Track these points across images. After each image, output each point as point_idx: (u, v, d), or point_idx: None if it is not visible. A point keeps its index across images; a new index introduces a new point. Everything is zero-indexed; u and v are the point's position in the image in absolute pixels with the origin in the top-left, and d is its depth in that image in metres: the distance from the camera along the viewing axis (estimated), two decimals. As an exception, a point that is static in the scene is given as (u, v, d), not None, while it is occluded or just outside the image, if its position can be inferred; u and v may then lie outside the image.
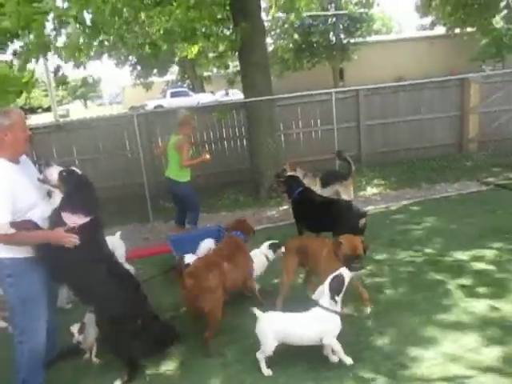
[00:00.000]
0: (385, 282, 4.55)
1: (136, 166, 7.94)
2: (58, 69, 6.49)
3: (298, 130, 9.79)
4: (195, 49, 9.36)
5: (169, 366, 3.46)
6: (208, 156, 6.13)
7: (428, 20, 26.86)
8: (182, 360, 3.53)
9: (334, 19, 25.18)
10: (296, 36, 24.35)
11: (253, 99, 7.96)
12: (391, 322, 3.79)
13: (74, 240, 2.81)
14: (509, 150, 9.15)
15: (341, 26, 25.53)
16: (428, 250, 5.26)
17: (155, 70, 28.43)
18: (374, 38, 28.17)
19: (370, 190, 8.30)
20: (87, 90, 53.58)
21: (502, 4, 19.13)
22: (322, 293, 3.24)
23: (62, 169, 3.02)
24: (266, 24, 15.87)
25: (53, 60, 6.00)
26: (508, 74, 9.23)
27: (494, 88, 9.52)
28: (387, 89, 10.11)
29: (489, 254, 4.93)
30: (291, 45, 24.44)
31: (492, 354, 3.20)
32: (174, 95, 29.36)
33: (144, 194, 7.51)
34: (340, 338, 3.23)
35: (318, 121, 9.75)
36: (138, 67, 26.95)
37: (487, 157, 9.35)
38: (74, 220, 2.82)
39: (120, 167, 8.92)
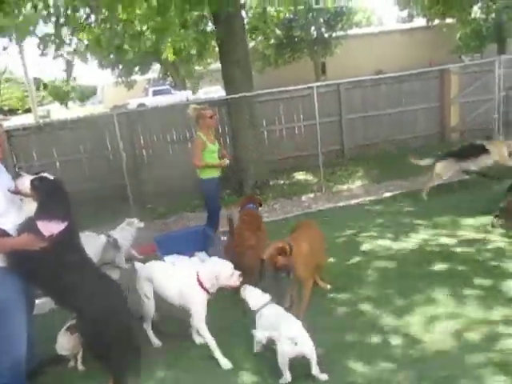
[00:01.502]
0: (370, 274, 4.58)
1: (118, 167, 7.85)
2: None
3: (280, 126, 9.78)
4: (173, 50, 9.28)
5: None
6: (227, 162, 5.67)
7: (408, 12, 26.96)
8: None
9: (315, 13, 25.13)
10: (277, 31, 24.26)
11: (234, 96, 7.92)
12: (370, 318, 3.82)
13: (42, 243, 2.77)
14: (490, 137, 9.24)
15: (322, 20, 25.52)
16: (413, 240, 5.31)
17: (137, 68, 28.14)
18: (354, 31, 28.24)
19: (354, 183, 8.34)
20: (83, 93, 52.23)
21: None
22: None
23: (33, 177, 2.94)
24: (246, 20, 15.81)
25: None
26: (486, 64, 9.30)
27: (472, 78, 9.63)
28: (368, 82, 10.16)
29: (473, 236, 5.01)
30: (272, 40, 24.35)
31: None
32: (156, 93, 29.15)
33: (127, 196, 7.42)
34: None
35: (301, 116, 9.75)
36: (120, 66, 26.64)
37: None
38: (51, 227, 2.76)
39: (102, 168, 8.80)
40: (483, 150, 6.76)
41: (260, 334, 3.22)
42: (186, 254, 5.05)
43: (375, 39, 29.48)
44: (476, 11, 21.07)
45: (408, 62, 23.55)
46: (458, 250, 4.89)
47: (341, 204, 7.25)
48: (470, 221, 5.64)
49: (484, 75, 9.57)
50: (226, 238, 5.47)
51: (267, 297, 3.49)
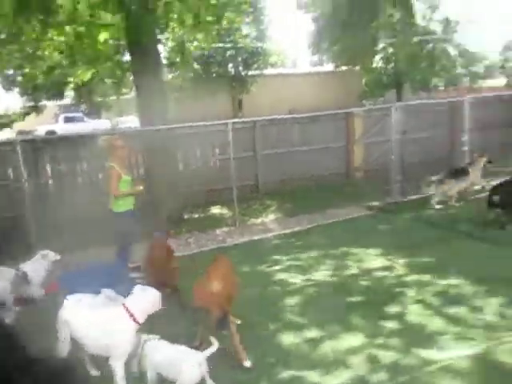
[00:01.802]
0: (283, 307, 4.68)
1: (19, 198, 7.29)
2: None
3: (195, 160, 9.83)
4: (88, 74, 9.03)
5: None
6: (141, 187, 5.72)
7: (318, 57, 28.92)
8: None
9: (233, 51, 26.03)
10: (196, 66, 24.67)
11: (149, 128, 7.84)
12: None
13: None
14: (387, 177, 10.01)
15: (239, 59, 26.46)
16: (325, 272, 5.56)
17: (48, 93, 26.70)
18: (270, 71, 29.58)
19: (268, 217, 8.57)
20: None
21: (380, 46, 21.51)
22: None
23: None
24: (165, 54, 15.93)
25: None
26: (384, 109, 10.21)
27: (374, 122, 10.54)
28: (282, 120, 10.66)
29: (378, 269, 5.36)
30: (191, 74, 24.66)
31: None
32: (67, 120, 27.75)
33: (27, 229, 6.88)
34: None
35: (217, 150, 9.90)
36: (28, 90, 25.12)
37: (369, 184, 10.18)
38: None
39: (1, 198, 8.11)
40: (466, 172, 8.19)
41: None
42: (92, 292, 4.76)
43: (290, 80, 31.09)
44: (378, 61, 23.34)
45: (320, 103, 25.11)
46: (366, 279, 5.22)
47: (255, 238, 7.39)
48: (377, 251, 6.06)
49: (383, 119, 10.53)
50: (136, 274, 5.29)
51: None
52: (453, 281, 4.97)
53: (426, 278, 5.13)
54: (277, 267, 5.88)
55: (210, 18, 8.24)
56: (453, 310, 4.32)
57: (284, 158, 10.48)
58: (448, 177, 8.16)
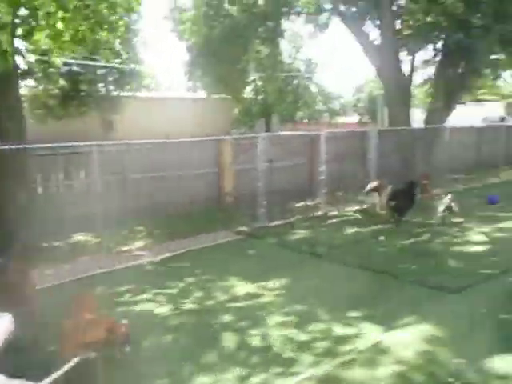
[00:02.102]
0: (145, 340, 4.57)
1: None
2: None
3: (58, 183, 9.14)
4: None
5: None
6: None
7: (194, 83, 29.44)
8: None
9: (104, 70, 25.07)
10: (62, 82, 23.12)
11: (3, 147, 7.11)
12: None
13: None
14: (255, 203, 10.51)
15: (111, 78, 25.57)
16: (191, 300, 5.58)
17: None
18: (144, 93, 29.18)
19: (137, 244, 8.32)
20: None
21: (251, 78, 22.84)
22: None
23: None
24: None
25: None
26: (253, 138, 10.78)
27: (243, 149, 11.07)
28: (155, 144, 10.54)
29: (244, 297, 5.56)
30: (57, 90, 23.03)
31: None
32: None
33: None
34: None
35: (82, 173, 9.37)
36: None
37: (239, 209, 10.60)
38: None
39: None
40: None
41: None
42: None
43: (166, 104, 30.99)
44: (249, 92, 24.69)
45: (194, 128, 25.45)
46: (233, 305, 5.37)
47: (122, 266, 7.10)
48: (244, 276, 6.30)
49: (251, 148, 11.13)
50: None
51: None
52: (305, 305, 5.38)
53: (283, 300, 5.50)
54: (144, 296, 5.73)
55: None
56: (309, 330, 4.70)
57: (154, 182, 10.33)
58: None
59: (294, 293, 5.71)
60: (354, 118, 31.60)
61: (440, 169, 13.53)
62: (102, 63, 24.55)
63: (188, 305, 5.47)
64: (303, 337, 4.54)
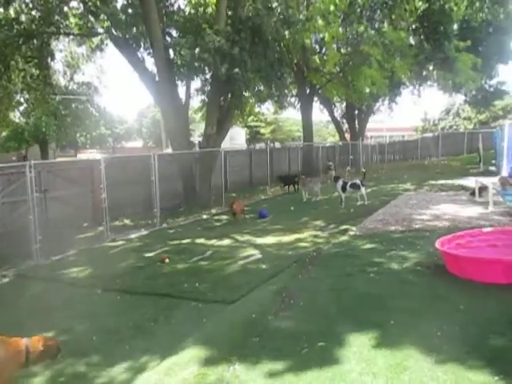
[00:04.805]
0: None
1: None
2: None
3: None
4: None
5: None
6: None
7: None
8: None
9: None
10: None
11: None
12: None
13: None
14: (28, 238, 9.18)
15: None
16: None
17: None
18: None
19: None
20: None
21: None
22: None
23: None
24: None
25: None
26: (21, 167, 9.55)
27: (10, 179, 9.76)
28: None
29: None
30: None
31: None
32: None
33: None
34: None
35: None
36: None
37: (8, 248, 9.16)
38: None
39: None
40: None
41: None
42: None
43: None
44: (17, 115, 22.05)
45: None
46: None
47: None
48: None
49: (22, 177, 9.90)
50: None
51: None
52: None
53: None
54: None
55: None
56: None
57: None
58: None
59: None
60: (139, 143, 31.72)
61: (219, 188, 14.74)
62: None
63: None
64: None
